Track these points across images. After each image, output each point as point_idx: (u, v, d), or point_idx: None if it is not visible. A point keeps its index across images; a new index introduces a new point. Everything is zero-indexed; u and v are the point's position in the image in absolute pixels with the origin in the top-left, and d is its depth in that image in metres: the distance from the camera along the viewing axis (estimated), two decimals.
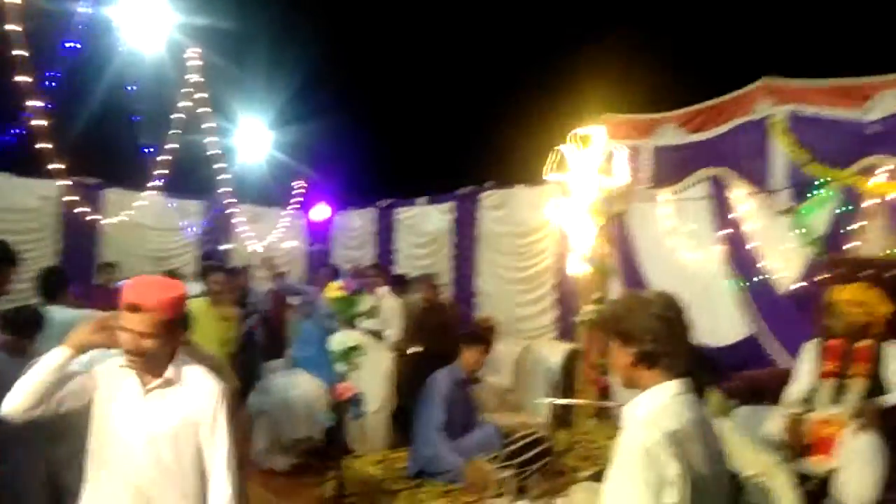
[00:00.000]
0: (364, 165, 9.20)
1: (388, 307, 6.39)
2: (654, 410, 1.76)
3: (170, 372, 2.15)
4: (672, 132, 6.01)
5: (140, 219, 8.63)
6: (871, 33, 5.80)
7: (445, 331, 6.26)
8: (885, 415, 3.76)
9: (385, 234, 9.64)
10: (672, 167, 5.98)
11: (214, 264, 6.67)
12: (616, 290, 6.46)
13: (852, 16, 5.81)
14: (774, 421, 4.11)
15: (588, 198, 6.40)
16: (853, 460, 3.70)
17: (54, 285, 4.09)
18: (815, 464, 3.87)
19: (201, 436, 2.15)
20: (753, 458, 3.30)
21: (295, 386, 5.57)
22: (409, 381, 5.92)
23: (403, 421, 5.86)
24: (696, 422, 1.74)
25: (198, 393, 2.16)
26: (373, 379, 5.89)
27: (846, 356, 4.12)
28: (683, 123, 5.94)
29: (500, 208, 7.90)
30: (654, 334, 1.77)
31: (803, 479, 3.90)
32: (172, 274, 7.59)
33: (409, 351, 6.27)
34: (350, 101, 8.89)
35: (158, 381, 2.14)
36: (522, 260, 7.56)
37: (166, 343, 2.11)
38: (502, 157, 8.18)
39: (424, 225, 9.02)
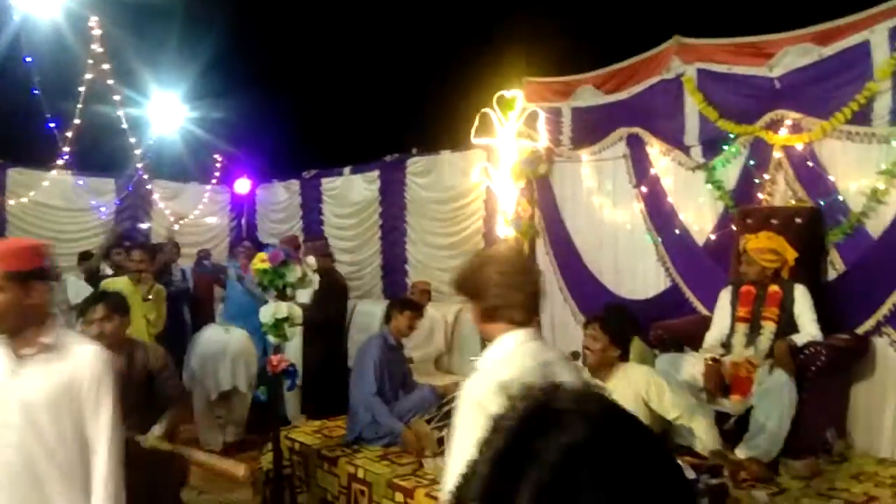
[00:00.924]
0: (287, 136, 8.98)
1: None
2: (496, 360, 1.84)
3: (47, 338, 2.04)
4: (589, 93, 6.12)
5: (47, 199, 8.20)
6: None
7: (338, 299, 6.15)
8: (796, 353, 4.02)
9: (311, 206, 9.50)
10: (591, 128, 6.11)
11: (135, 243, 6.46)
12: (542, 250, 6.62)
13: None
14: (694, 366, 4.34)
15: (512, 161, 6.50)
16: (767, 398, 3.96)
17: None
18: (733, 403, 4.12)
19: (83, 404, 2.04)
20: (675, 402, 3.47)
21: (221, 336, 5.59)
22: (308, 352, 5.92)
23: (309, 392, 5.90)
24: (540, 367, 1.80)
25: (79, 359, 2.06)
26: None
27: (758, 301, 4.37)
28: (600, 85, 6.06)
29: (426, 174, 7.91)
30: (496, 289, 1.86)
31: (723, 417, 4.14)
32: (86, 255, 7.30)
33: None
34: (269, 71, 8.63)
35: (33, 348, 2.02)
36: (451, 225, 7.61)
37: (16, 299, 1.97)
38: (427, 123, 8.13)
39: (350, 195, 8.94)
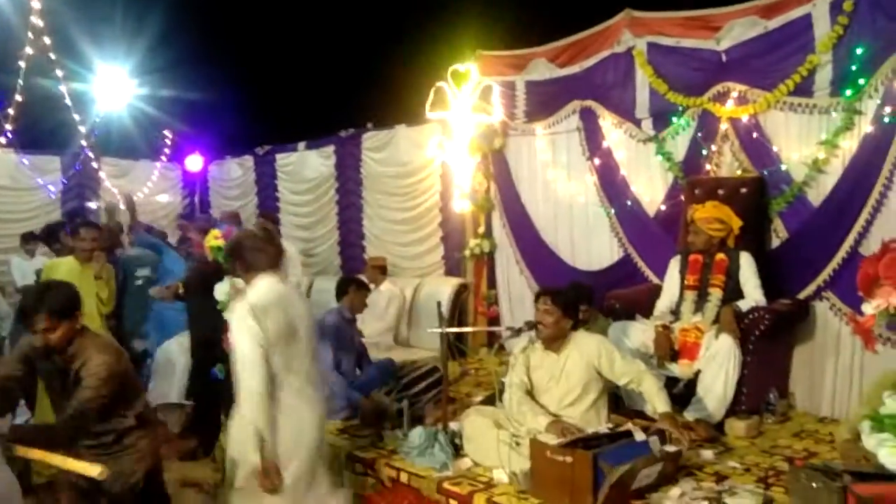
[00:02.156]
0: (240, 111, 8.82)
1: None
2: (251, 294, 2.93)
3: None
4: (543, 67, 6.15)
5: None
6: None
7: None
8: (740, 318, 4.17)
9: (266, 181, 9.38)
10: (544, 101, 6.15)
11: (82, 221, 6.30)
12: (499, 223, 6.68)
13: None
14: (644, 332, 4.47)
15: (467, 135, 6.52)
16: (713, 362, 4.11)
17: None
18: (682, 368, 4.26)
19: None
20: (625, 368, 3.58)
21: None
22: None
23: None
24: (279, 298, 2.92)
25: None
26: None
27: (705, 269, 4.50)
28: (553, 58, 6.09)
29: (382, 149, 7.87)
30: (249, 251, 3.02)
31: (672, 382, 4.29)
32: (32, 236, 7.11)
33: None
34: (222, 45, 8.43)
35: None
36: (408, 200, 7.60)
37: None
38: (381, 97, 8.07)
39: (305, 171, 8.85)
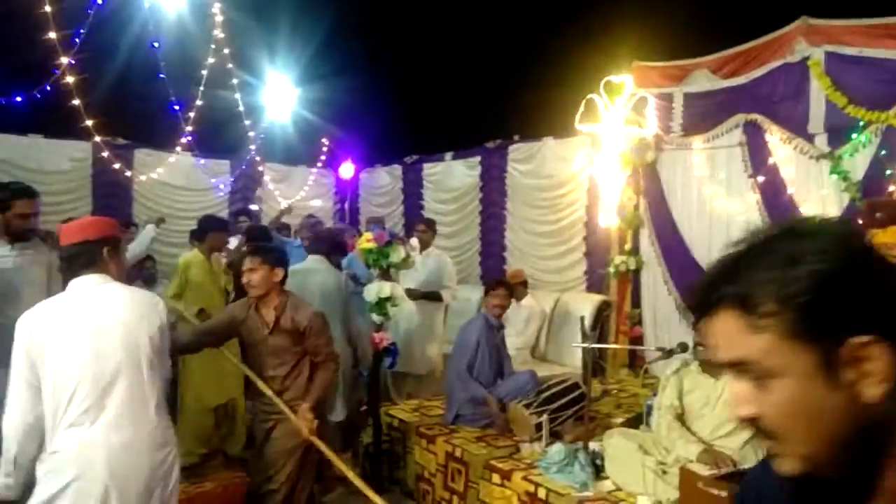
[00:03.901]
0: (390, 121, 9.12)
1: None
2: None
3: None
4: (704, 78, 5.87)
5: (170, 178, 8.70)
6: None
7: None
8: None
9: (412, 190, 9.63)
10: (704, 114, 5.86)
11: (250, 224, 6.77)
12: (647, 240, 6.43)
13: None
14: None
15: (618, 148, 6.33)
16: None
17: None
18: None
19: None
20: None
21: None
22: None
23: None
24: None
25: None
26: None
27: None
28: (716, 69, 5.79)
29: (528, 161, 7.84)
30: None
31: None
32: (201, 230, 7.68)
33: None
34: (375, 56, 8.78)
35: None
36: (552, 213, 7.51)
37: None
38: (529, 110, 8.04)
39: (451, 180, 8.99)
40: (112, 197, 8.33)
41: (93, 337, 2.38)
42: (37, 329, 2.35)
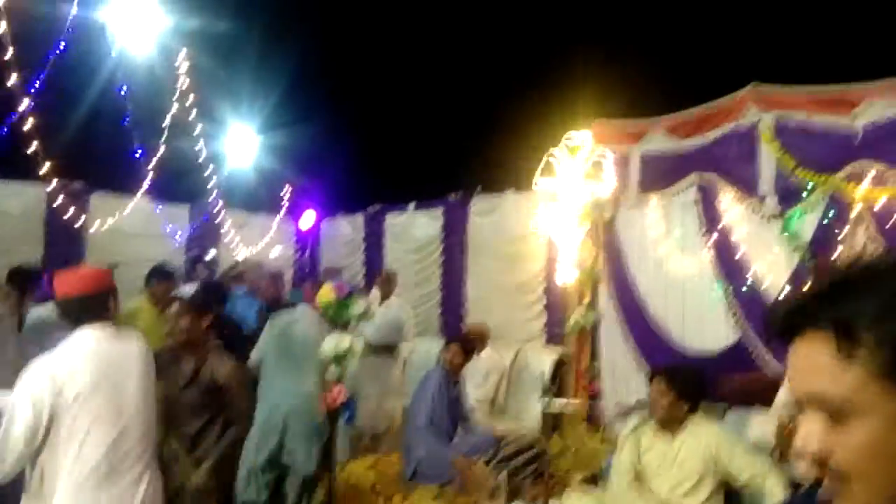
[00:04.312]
0: (353, 170, 9.18)
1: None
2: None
3: None
4: (660, 138, 6.06)
5: (126, 224, 8.52)
6: (858, 40, 5.89)
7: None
8: None
9: (374, 241, 9.60)
10: (660, 173, 6.03)
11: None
12: (604, 295, 6.50)
13: (840, 23, 5.90)
14: (764, 425, 4.15)
15: (577, 204, 6.45)
16: None
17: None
18: (806, 469, 3.90)
19: None
20: (747, 461, 3.32)
21: None
22: None
23: None
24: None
25: None
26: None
27: None
28: (672, 130, 5.99)
29: (489, 214, 7.92)
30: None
31: (795, 485, 3.93)
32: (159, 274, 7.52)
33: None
34: (339, 106, 8.88)
35: None
36: (512, 266, 7.56)
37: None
38: (492, 163, 8.20)
39: (413, 231, 9.01)
40: (64, 243, 8.11)
41: (116, 392, 2.49)
42: (65, 383, 2.37)
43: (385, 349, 5.77)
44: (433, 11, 8.99)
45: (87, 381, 2.40)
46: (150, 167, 6.87)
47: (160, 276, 5.35)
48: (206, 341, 3.44)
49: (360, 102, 8.95)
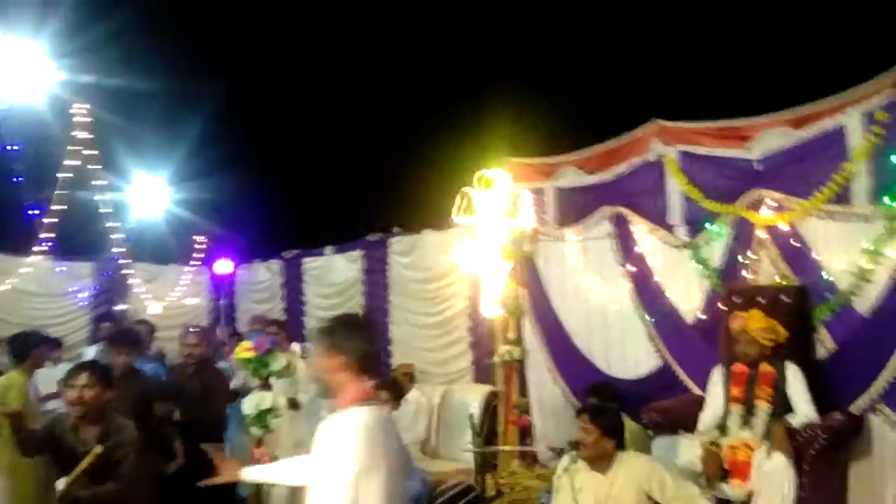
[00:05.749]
0: (268, 216, 9.00)
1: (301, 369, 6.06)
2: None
3: None
4: (572, 174, 6.22)
5: (24, 285, 8.02)
6: (750, 77, 6.28)
7: (210, 396, 5.22)
8: (793, 435, 3.95)
9: (293, 286, 9.40)
10: (575, 207, 6.17)
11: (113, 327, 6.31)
12: (529, 329, 6.55)
13: (732, 61, 6.28)
14: (691, 449, 4.24)
15: (496, 240, 6.50)
16: (767, 482, 3.86)
17: None
18: (734, 489, 4.01)
19: None
20: (678, 493, 3.36)
21: None
22: None
23: None
24: None
25: None
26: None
27: (750, 380, 4.32)
28: (582, 165, 6.16)
29: (408, 254, 7.89)
30: None
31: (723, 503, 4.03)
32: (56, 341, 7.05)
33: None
34: (250, 153, 8.73)
35: None
36: (435, 305, 7.54)
37: None
38: (408, 202, 8.21)
39: (332, 274, 8.87)
40: None
41: None
42: None
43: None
44: (343, 53, 9.01)
45: None
46: (47, 225, 6.48)
47: (39, 343, 5.01)
48: (108, 411, 3.37)
49: (272, 149, 8.83)
